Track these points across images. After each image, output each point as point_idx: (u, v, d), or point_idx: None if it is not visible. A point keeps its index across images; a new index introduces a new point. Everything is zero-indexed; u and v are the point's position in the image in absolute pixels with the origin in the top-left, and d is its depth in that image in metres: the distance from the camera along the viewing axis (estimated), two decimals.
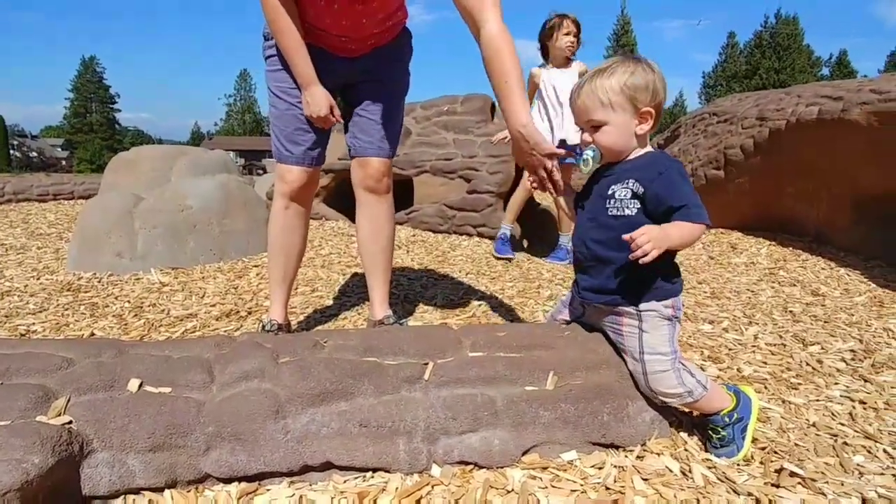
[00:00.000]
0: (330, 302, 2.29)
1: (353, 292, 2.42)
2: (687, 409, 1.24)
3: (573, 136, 3.11)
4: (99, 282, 2.60)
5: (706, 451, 1.16)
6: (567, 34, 3.13)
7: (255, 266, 2.86)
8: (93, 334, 1.94)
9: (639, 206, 1.15)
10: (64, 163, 53.01)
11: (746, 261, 3.18)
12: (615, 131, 1.19)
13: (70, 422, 0.93)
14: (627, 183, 1.17)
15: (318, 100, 1.56)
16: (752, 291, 2.53)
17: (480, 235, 3.66)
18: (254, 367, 1.06)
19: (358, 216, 1.76)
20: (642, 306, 1.16)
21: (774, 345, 1.83)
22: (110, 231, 2.76)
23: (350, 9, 1.51)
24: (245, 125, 71.87)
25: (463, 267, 2.96)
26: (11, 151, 49.01)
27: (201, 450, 0.98)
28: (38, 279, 2.66)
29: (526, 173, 3.28)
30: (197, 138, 78.75)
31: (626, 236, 1.05)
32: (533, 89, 3.23)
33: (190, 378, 1.03)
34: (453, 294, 2.39)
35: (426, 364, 1.12)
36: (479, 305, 2.23)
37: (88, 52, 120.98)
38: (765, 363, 1.68)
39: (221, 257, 2.89)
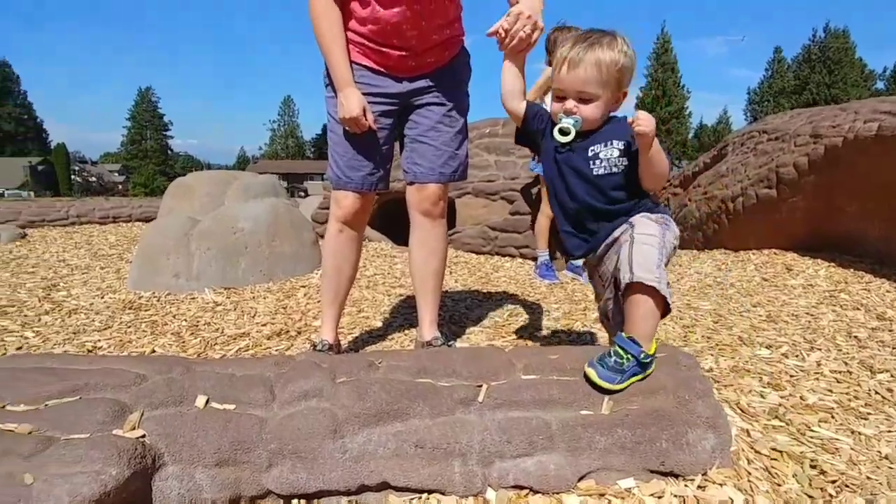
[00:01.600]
0: (377, 322, 2.32)
1: (399, 313, 2.45)
2: (626, 318, 1.23)
3: None
4: (158, 300, 2.73)
5: (595, 362, 1.16)
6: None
7: (303, 286, 2.94)
8: (153, 351, 2.03)
9: (626, 163, 1.27)
10: (120, 187, 55.88)
11: (804, 283, 3.05)
12: (602, 106, 1.27)
13: (143, 435, 0.98)
14: (610, 144, 1.28)
15: (352, 102, 1.59)
16: (812, 315, 2.42)
17: (523, 257, 3.66)
18: (313, 387, 1.09)
19: (411, 238, 1.79)
20: (631, 219, 1.28)
21: (840, 372, 1.74)
22: (169, 253, 2.89)
23: (410, 11, 1.54)
24: (288, 149, 74.30)
25: (507, 288, 2.95)
26: (73, 177, 52.03)
27: (264, 466, 1.01)
28: (101, 298, 2.81)
29: (546, 198, 3.32)
30: (242, 162, 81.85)
31: (630, 119, 1.20)
32: (545, 88, 3.23)
33: (252, 396, 1.07)
34: (499, 316, 2.39)
35: (480, 386, 1.13)
36: (525, 327, 2.22)
37: (145, 82, 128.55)
38: (830, 391, 1.60)
39: (270, 278, 2.99)
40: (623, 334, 1.19)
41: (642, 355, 1.16)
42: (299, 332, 2.19)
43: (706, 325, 2.22)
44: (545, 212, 3.34)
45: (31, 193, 37.66)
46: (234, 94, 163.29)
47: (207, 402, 1.05)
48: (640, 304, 1.17)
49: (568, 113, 1.27)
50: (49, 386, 1.06)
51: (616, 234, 1.31)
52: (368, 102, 1.65)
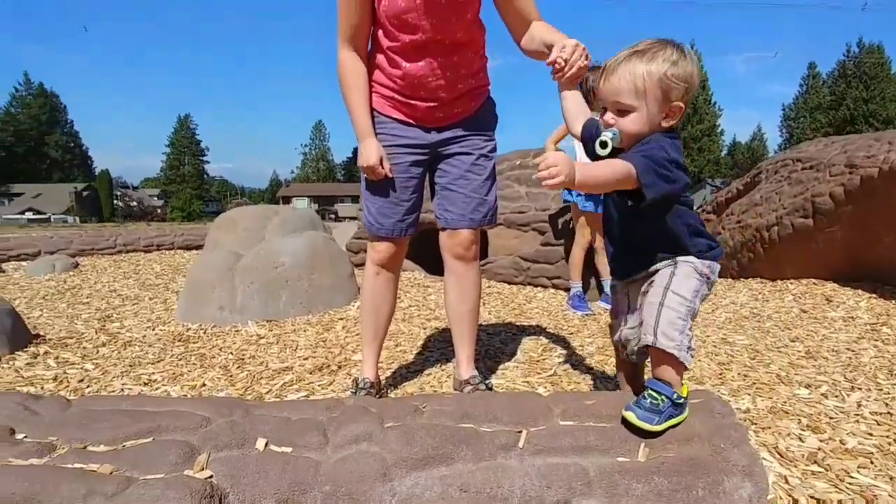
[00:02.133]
0: (414, 357, 2.39)
1: (436, 347, 2.51)
2: (651, 366, 1.27)
3: None
4: (204, 333, 2.87)
5: (633, 405, 1.19)
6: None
7: (341, 318, 3.04)
8: (204, 385, 2.15)
9: None
10: (159, 210, 57.93)
11: (844, 315, 2.99)
12: (641, 120, 1.17)
13: (211, 476, 1.06)
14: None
15: (370, 151, 1.69)
16: (853, 351, 2.39)
17: (555, 287, 3.69)
18: (363, 431, 1.16)
19: (446, 281, 1.87)
20: (680, 258, 1.25)
21: (880, 413, 1.72)
22: (214, 286, 3.04)
23: (435, 63, 1.63)
24: (319, 172, 76.08)
25: (540, 321, 2.99)
26: (116, 201, 54.22)
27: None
28: (153, 329, 2.96)
29: (580, 230, 3.37)
30: (275, 185, 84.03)
31: (537, 159, 1.15)
32: (561, 136, 3.29)
33: (307, 439, 1.15)
34: (533, 351, 2.43)
35: (520, 432, 1.18)
36: (560, 363, 2.26)
37: (183, 108, 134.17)
38: (870, 434, 1.58)
39: (310, 310, 3.10)
40: (654, 378, 1.24)
41: (675, 395, 1.20)
42: (340, 367, 2.28)
43: (742, 362, 2.22)
44: (579, 243, 3.39)
45: (77, 219, 39.44)
46: (268, 118, 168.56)
47: (267, 444, 1.14)
48: (661, 360, 1.22)
49: (606, 126, 1.22)
50: (125, 427, 1.16)
51: (659, 266, 1.28)
52: (399, 153, 1.74)
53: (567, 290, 3.67)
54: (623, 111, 1.18)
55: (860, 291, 3.35)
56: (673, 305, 1.20)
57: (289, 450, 1.13)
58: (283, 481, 1.08)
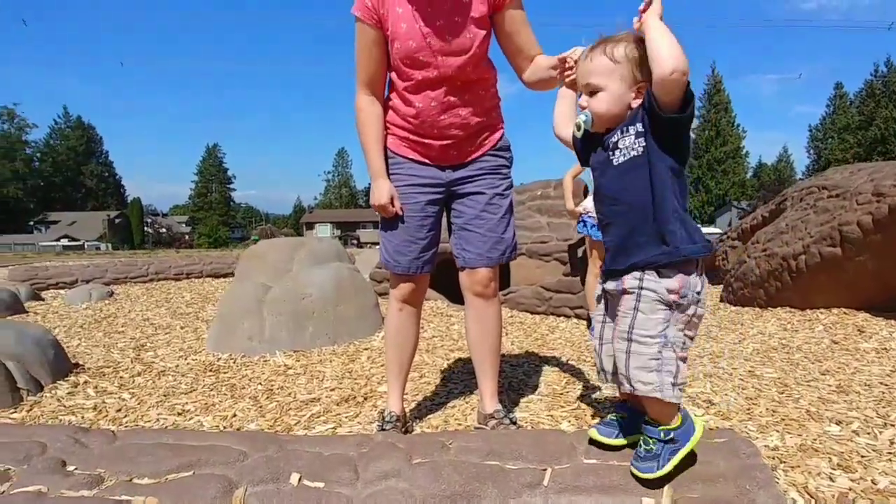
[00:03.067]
0: (437, 388, 2.42)
1: (459, 379, 2.54)
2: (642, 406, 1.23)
3: None
4: (234, 363, 2.95)
5: (633, 459, 1.18)
6: None
7: (366, 349, 3.09)
8: (234, 415, 2.20)
9: (644, 143, 1.16)
10: (187, 237, 59.38)
11: (877, 346, 2.93)
12: (609, 99, 1.19)
13: None
14: (628, 129, 1.19)
15: (381, 191, 1.76)
16: (886, 385, 2.33)
17: (578, 317, 3.69)
18: (392, 468, 1.20)
19: (467, 317, 1.90)
20: (645, 281, 1.16)
21: None
22: (243, 318, 3.14)
23: (447, 103, 1.70)
24: (342, 198, 77.38)
25: (563, 352, 3.00)
26: (145, 228, 55.81)
27: None
28: (185, 359, 3.06)
29: (593, 258, 3.38)
30: (299, 212, 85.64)
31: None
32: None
33: (339, 475, 1.19)
34: (556, 384, 2.44)
35: (544, 470, 1.20)
36: (583, 397, 2.26)
37: (212, 139, 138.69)
38: None
39: (335, 340, 3.16)
40: (645, 421, 1.22)
41: (662, 434, 1.17)
42: (366, 398, 2.32)
43: (771, 397, 2.19)
44: (592, 272, 3.40)
45: (109, 245, 40.73)
46: (292, 146, 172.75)
47: (300, 479, 1.18)
48: (647, 402, 1.20)
49: (581, 108, 1.25)
50: (167, 461, 1.22)
51: (626, 283, 1.20)
52: (414, 192, 1.78)
53: (589, 319, 3.67)
54: (594, 91, 1.21)
55: (893, 322, 3.28)
56: (640, 350, 1.16)
57: (321, 485, 1.18)
58: None
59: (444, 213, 1.90)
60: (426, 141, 1.76)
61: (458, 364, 2.76)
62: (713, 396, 2.20)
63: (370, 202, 1.83)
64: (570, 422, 1.99)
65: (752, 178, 56.35)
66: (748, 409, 2.08)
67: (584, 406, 2.15)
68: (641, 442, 1.20)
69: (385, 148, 1.83)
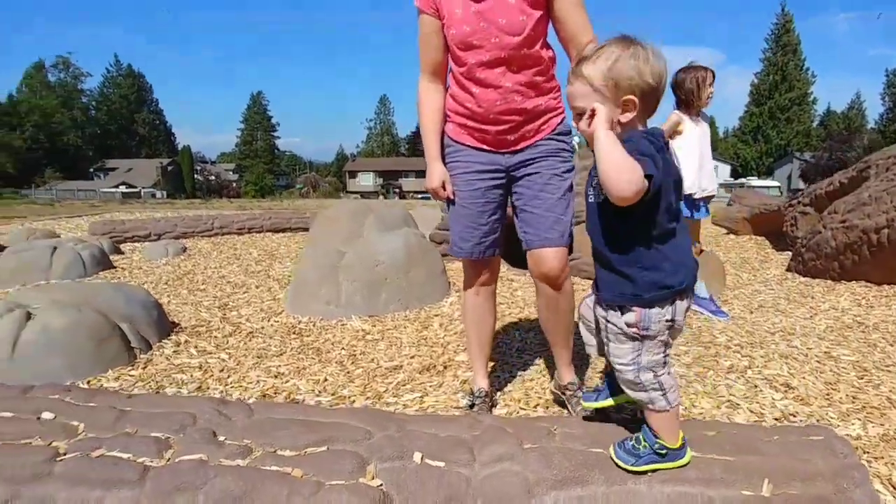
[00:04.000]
0: (514, 359, 2.53)
1: (532, 349, 2.64)
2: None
3: (702, 191, 3.13)
4: (314, 326, 3.14)
5: (617, 443, 1.30)
6: (712, 87, 3.11)
7: (436, 315, 3.23)
8: (325, 379, 2.39)
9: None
10: (234, 184, 60.91)
11: None
12: (597, 118, 1.17)
13: (381, 484, 1.26)
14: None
15: (433, 175, 1.85)
16: None
17: None
18: (505, 451, 1.32)
19: (537, 299, 1.93)
20: (609, 315, 1.25)
21: None
22: (321, 283, 3.31)
23: (503, 88, 1.69)
24: (384, 146, 77.21)
25: None
26: (196, 176, 57.53)
27: None
28: (268, 321, 3.28)
29: None
30: (341, 159, 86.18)
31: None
32: (670, 133, 3.22)
33: (457, 456, 1.32)
34: None
35: None
36: None
37: (256, 87, 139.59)
38: None
39: (407, 306, 3.31)
40: (645, 423, 1.30)
41: (657, 446, 1.25)
42: (445, 367, 2.46)
43: (850, 382, 2.20)
44: None
45: (164, 193, 42.41)
46: (334, 93, 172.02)
47: (423, 458, 1.32)
48: (646, 414, 1.29)
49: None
50: (303, 436, 1.38)
51: (597, 312, 1.31)
52: (474, 179, 1.82)
53: None
54: (580, 114, 1.21)
55: None
56: (622, 372, 1.27)
57: (442, 464, 1.31)
58: (439, 493, 1.25)
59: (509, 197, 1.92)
60: (483, 126, 1.78)
61: (529, 333, 2.86)
62: (791, 380, 2.22)
63: (425, 185, 1.90)
64: None
65: (819, 127, 52.65)
66: (827, 395, 2.10)
67: None
68: (634, 437, 1.29)
69: (444, 135, 1.88)
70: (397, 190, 57.39)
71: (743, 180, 29.87)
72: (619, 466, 1.27)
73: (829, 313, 3.32)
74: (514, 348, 2.68)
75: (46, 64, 58.41)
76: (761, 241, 6.40)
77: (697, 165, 3.12)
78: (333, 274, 3.30)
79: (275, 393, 2.26)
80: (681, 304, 1.23)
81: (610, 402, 1.43)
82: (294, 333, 3.02)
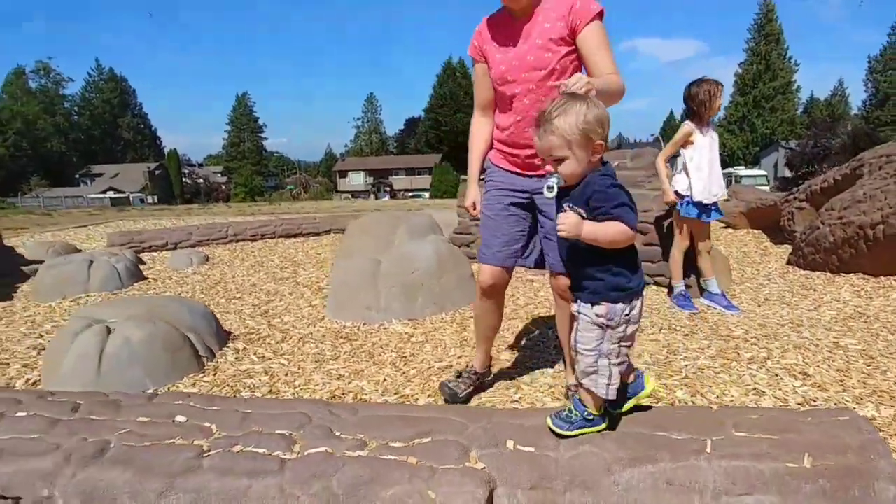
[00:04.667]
0: (545, 354, 2.77)
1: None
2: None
3: (712, 196, 3.39)
4: (358, 330, 3.36)
5: (553, 414, 1.59)
6: (720, 98, 3.37)
7: (471, 317, 3.46)
8: (385, 380, 2.61)
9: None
10: (223, 187, 60.46)
11: None
12: (575, 162, 1.45)
13: (484, 468, 1.49)
14: (575, 208, 1.49)
15: (468, 194, 2.24)
16: None
17: (657, 284, 3.96)
18: (584, 436, 1.55)
19: (556, 311, 2.24)
20: (582, 308, 1.54)
21: None
22: (359, 289, 3.53)
23: (531, 113, 1.92)
24: (372, 145, 77.08)
25: (653, 320, 3.30)
26: (184, 179, 57.04)
27: (560, 492, 1.48)
28: (314, 326, 3.49)
29: (679, 231, 3.60)
30: (329, 159, 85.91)
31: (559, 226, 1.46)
32: (682, 143, 3.48)
33: (545, 442, 1.55)
34: (658, 353, 2.76)
35: (704, 440, 1.54)
36: (687, 366, 2.57)
37: (241, 88, 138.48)
38: None
39: (442, 309, 3.54)
40: (576, 396, 1.61)
41: (586, 413, 1.55)
42: (492, 366, 2.69)
43: (860, 368, 2.47)
44: (679, 246, 3.64)
45: (155, 198, 42.13)
46: (319, 92, 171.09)
47: (515, 445, 1.55)
48: (582, 390, 1.58)
49: (548, 173, 1.50)
50: (408, 430, 1.60)
51: (572, 307, 1.61)
52: (500, 195, 2.13)
53: (666, 286, 3.94)
54: (559, 160, 1.46)
55: None
56: (582, 360, 1.54)
57: (532, 449, 1.54)
58: (533, 473, 1.48)
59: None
60: (514, 151, 2.07)
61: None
62: (807, 368, 2.49)
63: (458, 202, 2.24)
64: (682, 391, 2.32)
65: (803, 115, 53.42)
66: (841, 381, 2.36)
67: (691, 376, 2.47)
68: (567, 409, 1.58)
69: (487, 160, 2.23)
70: (388, 188, 57.46)
71: (730, 170, 30.35)
72: (555, 433, 1.55)
73: (832, 305, 3.60)
74: (549, 344, 2.92)
75: (27, 70, 57.65)
76: (758, 235, 6.70)
77: (707, 173, 3.38)
78: (373, 281, 3.52)
79: (342, 394, 2.48)
80: (636, 302, 1.55)
81: (631, 403, 1.68)
82: (342, 338, 3.24)
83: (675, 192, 3.50)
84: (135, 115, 67.39)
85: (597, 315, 1.52)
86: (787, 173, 34.09)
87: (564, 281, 2.05)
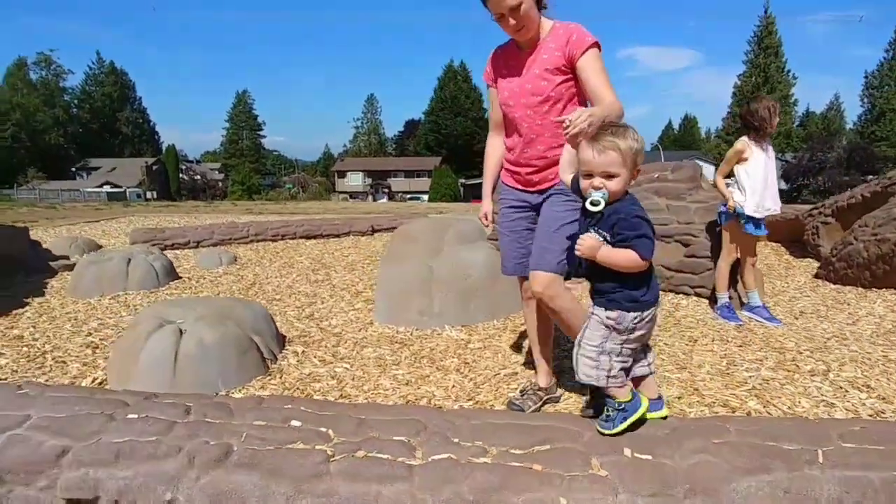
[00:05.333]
0: None
1: None
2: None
3: (765, 211, 3.46)
4: (411, 335, 3.40)
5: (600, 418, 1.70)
6: (778, 117, 3.46)
7: (523, 324, 3.51)
8: (454, 386, 2.65)
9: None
10: (220, 184, 60.18)
11: None
12: (622, 182, 1.62)
13: (607, 475, 1.53)
14: (599, 231, 1.65)
15: (482, 207, 2.48)
16: None
17: (698, 295, 4.03)
18: (700, 445, 1.60)
19: (525, 313, 2.46)
20: (596, 309, 1.69)
21: None
22: (412, 294, 3.57)
23: (524, 138, 2.16)
24: (371, 146, 77.07)
25: (703, 331, 3.37)
26: (181, 175, 56.72)
27: (680, 499, 1.53)
28: (365, 330, 3.52)
29: (728, 243, 3.67)
30: (327, 159, 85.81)
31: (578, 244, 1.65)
32: (736, 158, 3.55)
33: (661, 450, 1.60)
34: (718, 364, 2.82)
35: (816, 450, 1.59)
36: (751, 377, 2.63)
37: (240, 85, 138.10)
38: None
39: (494, 315, 3.58)
40: (608, 398, 1.71)
41: (616, 403, 1.67)
42: (559, 372, 2.74)
43: None
44: (727, 259, 3.71)
45: (154, 193, 41.86)
46: (319, 91, 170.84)
47: (633, 452, 1.60)
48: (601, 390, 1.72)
49: (594, 188, 1.62)
50: (524, 438, 1.65)
51: (588, 309, 1.77)
52: (509, 211, 2.33)
53: (708, 298, 4.01)
54: (611, 176, 1.61)
55: None
56: (585, 353, 1.69)
57: (650, 457, 1.59)
58: (654, 480, 1.53)
59: None
60: (516, 168, 2.26)
61: None
62: (868, 381, 2.55)
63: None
64: (753, 401, 2.38)
65: (798, 129, 54.04)
66: None
67: (757, 386, 2.53)
68: (606, 409, 1.68)
69: (499, 178, 2.44)
70: (386, 190, 57.45)
71: (728, 180, 30.59)
72: (604, 434, 1.65)
73: (869, 319, 3.68)
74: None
75: (28, 61, 57.22)
76: (777, 248, 6.79)
77: (762, 187, 3.45)
78: (426, 286, 3.56)
79: (415, 399, 2.51)
80: (647, 313, 1.69)
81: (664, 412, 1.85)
82: (397, 343, 3.27)
83: (738, 206, 3.55)
84: (134, 109, 66.98)
85: (608, 318, 1.68)
86: (783, 185, 34.44)
87: (533, 277, 2.13)
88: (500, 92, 2.24)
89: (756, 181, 3.44)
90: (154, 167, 55.37)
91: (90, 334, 3.50)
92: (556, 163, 2.13)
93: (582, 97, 2.15)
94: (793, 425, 1.69)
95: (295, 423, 1.73)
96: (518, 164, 2.23)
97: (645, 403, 1.72)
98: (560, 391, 2.48)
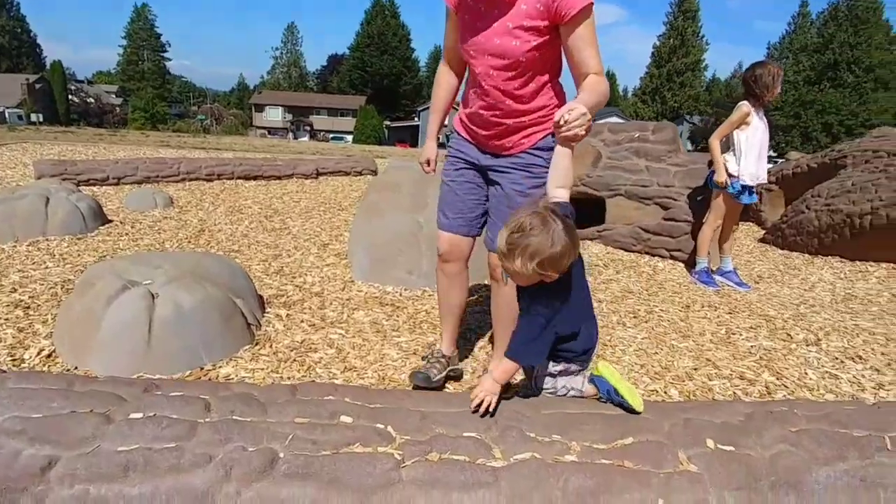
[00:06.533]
0: None
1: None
2: None
3: (757, 179, 3.53)
4: (401, 296, 3.15)
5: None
6: (780, 85, 3.46)
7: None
8: (469, 356, 2.48)
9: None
10: (118, 109, 54.10)
11: None
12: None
13: (696, 468, 1.44)
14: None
15: (425, 151, 2.17)
16: None
17: (673, 258, 4.09)
18: (779, 434, 1.55)
19: (492, 289, 2.16)
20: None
21: None
22: (398, 251, 3.29)
23: (486, 103, 1.84)
24: (291, 79, 72.20)
25: (687, 295, 3.42)
26: (70, 97, 50.19)
27: (765, 491, 1.48)
28: (349, 291, 3.22)
29: (713, 210, 3.73)
30: (242, 89, 79.56)
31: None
32: (739, 123, 3.54)
33: (744, 441, 1.53)
34: (717, 332, 2.85)
35: (882, 437, 1.60)
36: (752, 347, 2.69)
37: None
38: None
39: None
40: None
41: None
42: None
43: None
44: (711, 223, 3.75)
45: (40, 116, 36.69)
46: (233, 15, 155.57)
47: (716, 444, 1.52)
48: None
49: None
50: (606, 431, 1.51)
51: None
52: (456, 163, 2.04)
53: (684, 262, 4.09)
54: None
55: None
56: (545, 392, 1.71)
57: (732, 448, 1.52)
58: (741, 471, 1.47)
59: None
60: (472, 127, 1.96)
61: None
62: (857, 351, 2.69)
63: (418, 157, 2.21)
64: (768, 374, 2.42)
65: (705, 93, 57.30)
66: (889, 365, 2.58)
67: (763, 357, 2.58)
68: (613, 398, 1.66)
69: (447, 118, 2.18)
70: (308, 128, 54.47)
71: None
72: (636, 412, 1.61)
73: (823, 286, 3.92)
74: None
75: None
76: None
77: (756, 156, 3.46)
78: (414, 244, 3.30)
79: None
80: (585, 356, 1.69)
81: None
82: (387, 305, 3.02)
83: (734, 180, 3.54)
84: (11, 17, 57.42)
85: (553, 366, 1.68)
86: (689, 146, 36.73)
87: (492, 259, 2.01)
88: (462, 31, 1.83)
89: (754, 148, 3.45)
90: (37, 85, 48.36)
91: (14, 290, 2.92)
92: (517, 131, 1.87)
93: (556, 70, 1.83)
94: (856, 411, 1.69)
95: (345, 418, 1.48)
96: (474, 122, 1.93)
97: (607, 371, 1.66)
98: (461, 366, 2.33)
